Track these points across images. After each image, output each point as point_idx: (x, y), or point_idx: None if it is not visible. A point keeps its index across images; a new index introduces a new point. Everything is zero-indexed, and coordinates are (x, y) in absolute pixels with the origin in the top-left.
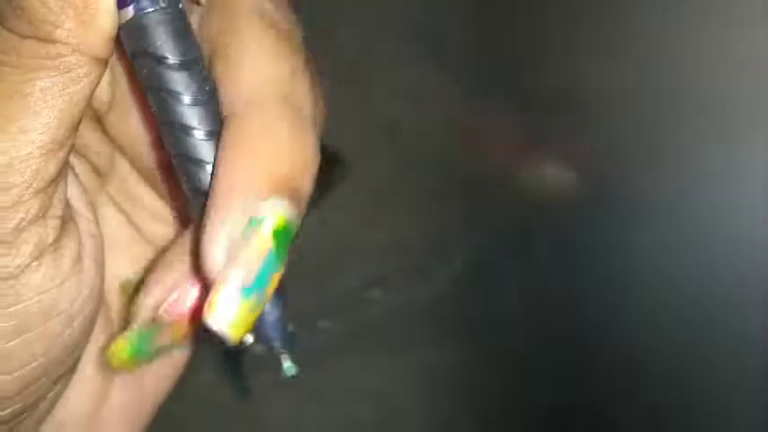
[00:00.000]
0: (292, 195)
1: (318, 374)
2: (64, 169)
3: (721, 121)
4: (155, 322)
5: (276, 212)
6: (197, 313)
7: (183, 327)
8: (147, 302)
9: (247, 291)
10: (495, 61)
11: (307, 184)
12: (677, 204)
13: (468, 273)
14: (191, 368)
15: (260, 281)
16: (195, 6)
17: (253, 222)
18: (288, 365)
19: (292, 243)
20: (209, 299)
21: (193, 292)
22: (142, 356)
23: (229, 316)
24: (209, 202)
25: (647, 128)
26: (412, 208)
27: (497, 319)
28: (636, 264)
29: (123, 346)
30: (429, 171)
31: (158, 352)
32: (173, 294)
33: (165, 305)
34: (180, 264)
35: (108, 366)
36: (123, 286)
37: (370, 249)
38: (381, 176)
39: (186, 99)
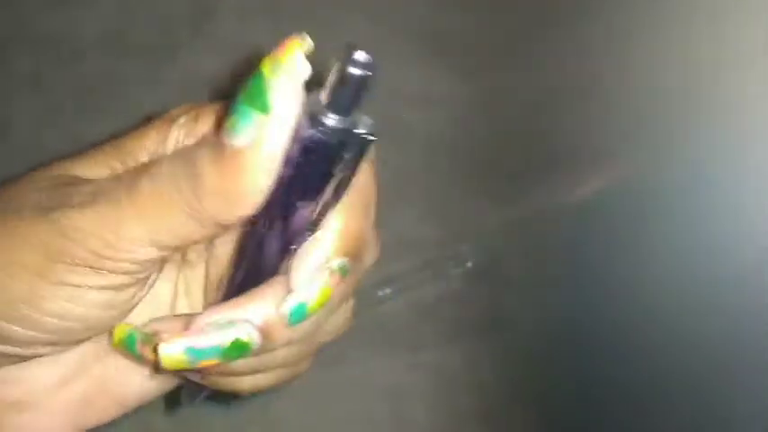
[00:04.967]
0: (354, 259)
1: (329, 372)
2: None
3: (729, 120)
4: (222, 329)
5: (343, 267)
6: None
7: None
8: (225, 310)
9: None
10: (504, 61)
11: (363, 254)
12: (685, 204)
13: (478, 272)
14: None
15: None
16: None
17: (328, 267)
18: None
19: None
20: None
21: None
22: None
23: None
24: (303, 252)
25: (655, 126)
26: (423, 208)
27: (507, 319)
28: (645, 263)
29: (178, 346)
30: (440, 172)
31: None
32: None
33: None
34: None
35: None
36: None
37: (381, 249)
38: (392, 177)
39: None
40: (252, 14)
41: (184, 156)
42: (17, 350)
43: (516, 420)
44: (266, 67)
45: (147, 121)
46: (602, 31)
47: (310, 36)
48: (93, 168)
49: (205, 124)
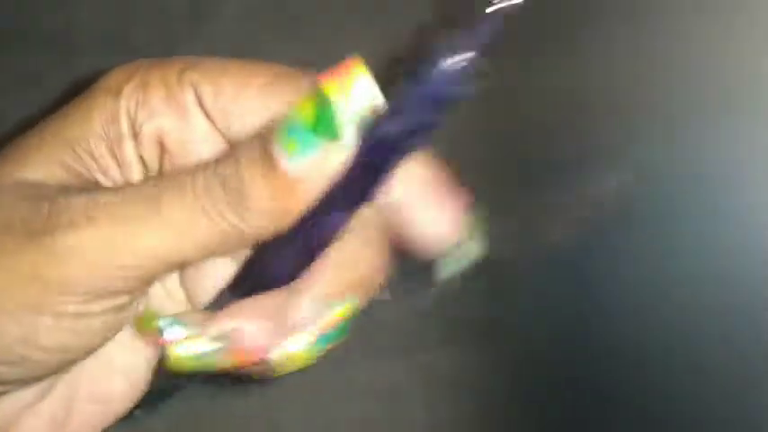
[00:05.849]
0: (364, 296)
1: (328, 374)
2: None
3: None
4: (222, 339)
5: (351, 304)
6: (258, 353)
7: (240, 356)
8: (224, 321)
9: (310, 345)
10: (504, 60)
11: (376, 289)
12: (690, 205)
13: (478, 274)
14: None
15: (321, 341)
16: None
17: (333, 304)
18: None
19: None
20: (288, 336)
21: (272, 336)
22: (201, 363)
23: (291, 351)
24: (312, 280)
25: (656, 127)
26: None
27: (506, 321)
28: (647, 265)
29: (188, 348)
30: None
31: (211, 365)
32: (252, 326)
33: (242, 330)
34: (263, 309)
35: (168, 365)
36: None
37: None
38: None
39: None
40: (252, 14)
41: (220, 168)
42: (8, 388)
43: (515, 422)
44: (332, 93)
45: (70, 96)
46: (604, 27)
47: (311, 37)
48: (43, 169)
49: (156, 92)
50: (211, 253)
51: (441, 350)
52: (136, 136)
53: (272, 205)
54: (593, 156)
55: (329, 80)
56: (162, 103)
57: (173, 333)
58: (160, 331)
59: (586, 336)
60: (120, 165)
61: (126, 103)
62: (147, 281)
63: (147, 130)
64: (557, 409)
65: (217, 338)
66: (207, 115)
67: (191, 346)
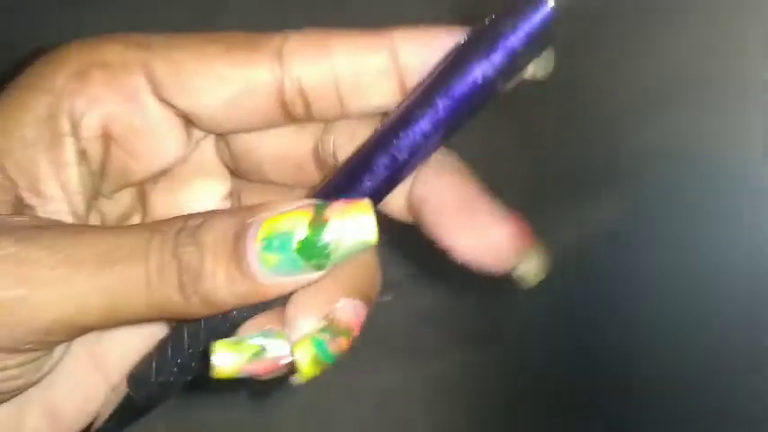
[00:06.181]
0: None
1: (327, 378)
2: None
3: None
4: (327, 328)
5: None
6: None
7: (352, 331)
8: (309, 314)
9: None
10: None
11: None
12: (687, 208)
13: (479, 279)
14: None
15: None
16: None
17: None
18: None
19: None
20: None
21: (359, 304)
22: (325, 361)
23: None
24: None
25: (654, 126)
26: None
27: (506, 325)
28: (645, 273)
29: (307, 356)
30: None
31: (332, 357)
32: (340, 303)
33: (338, 312)
34: (328, 286)
35: (298, 379)
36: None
37: (382, 255)
38: None
39: None
40: (255, 19)
41: (181, 248)
42: None
43: (515, 427)
44: (333, 224)
45: None
46: (609, 30)
47: None
48: None
49: (96, 77)
50: (141, 322)
51: (440, 355)
52: (75, 131)
53: (226, 297)
54: (606, 166)
55: (334, 211)
56: (103, 89)
57: (277, 349)
58: (261, 352)
59: (586, 337)
60: (57, 170)
61: (61, 98)
62: (72, 339)
63: (90, 122)
64: (556, 412)
65: (324, 328)
66: (161, 95)
67: (308, 348)
